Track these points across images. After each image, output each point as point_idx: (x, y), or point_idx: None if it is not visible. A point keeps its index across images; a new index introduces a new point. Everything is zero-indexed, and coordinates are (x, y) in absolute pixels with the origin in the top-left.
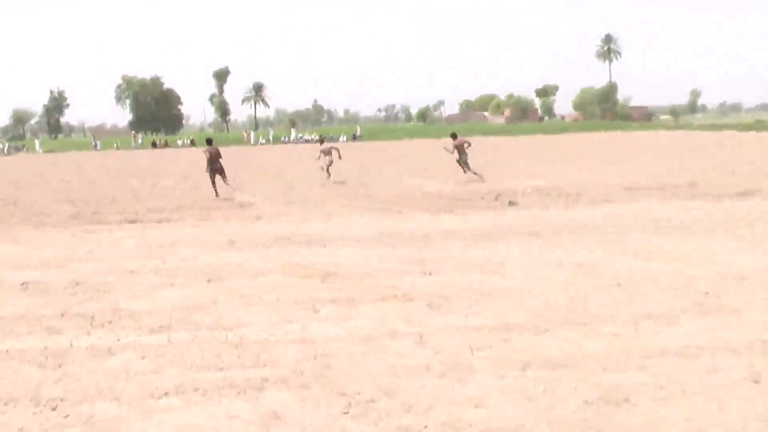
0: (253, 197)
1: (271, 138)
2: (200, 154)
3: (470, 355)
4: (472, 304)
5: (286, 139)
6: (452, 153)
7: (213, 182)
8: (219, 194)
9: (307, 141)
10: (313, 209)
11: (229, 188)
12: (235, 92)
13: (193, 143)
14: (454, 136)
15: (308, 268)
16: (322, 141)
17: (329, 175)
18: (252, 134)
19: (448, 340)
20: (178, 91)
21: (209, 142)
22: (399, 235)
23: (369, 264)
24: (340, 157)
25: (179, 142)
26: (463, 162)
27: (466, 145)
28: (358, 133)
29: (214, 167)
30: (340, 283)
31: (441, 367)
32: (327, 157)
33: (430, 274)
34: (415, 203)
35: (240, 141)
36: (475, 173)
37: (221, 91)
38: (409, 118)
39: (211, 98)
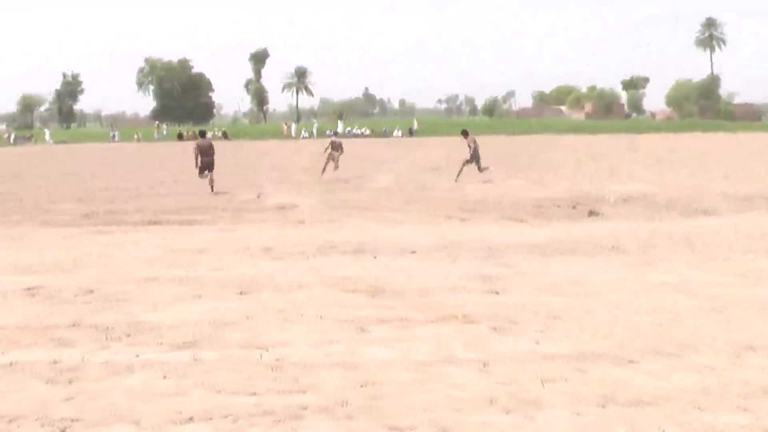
0: (294, 198)
1: (315, 131)
2: (227, 147)
3: (541, 388)
4: (543, 328)
5: (332, 132)
6: (470, 151)
7: (202, 177)
8: (213, 188)
9: (356, 135)
10: (363, 213)
11: (210, 184)
12: (274, 78)
13: (225, 136)
14: (465, 134)
15: (355, 281)
16: (335, 134)
17: (324, 170)
18: (293, 126)
19: (515, 370)
20: (209, 75)
21: (202, 134)
22: (461, 246)
23: (425, 279)
24: (337, 156)
25: (209, 134)
26: (475, 160)
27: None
28: (415, 127)
29: (205, 161)
30: (392, 300)
31: (507, 400)
32: (332, 153)
33: (496, 292)
34: (479, 210)
35: (279, 134)
36: (463, 174)
37: (258, 76)
38: (473, 111)
39: (247, 85)
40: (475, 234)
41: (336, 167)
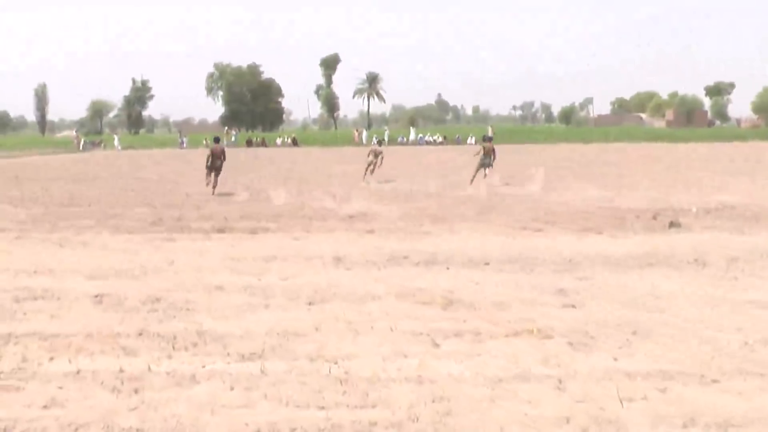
0: (364, 207)
1: (386, 138)
2: (297, 154)
3: (619, 407)
4: (622, 344)
5: (404, 139)
6: (476, 154)
7: (209, 178)
8: (215, 186)
9: (428, 142)
10: (436, 223)
11: (213, 188)
12: (345, 84)
13: (294, 142)
14: (489, 139)
15: (427, 293)
16: (380, 143)
17: (365, 175)
18: (364, 133)
19: (592, 387)
20: (279, 81)
21: (217, 140)
22: (536, 258)
23: (500, 291)
24: (379, 163)
25: (278, 141)
26: (486, 165)
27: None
28: (490, 134)
29: (215, 165)
30: (465, 312)
31: (584, 419)
32: (370, 158)
33: (573, 306)
34: (555, 220)
35: (350, 140)
36: (475, 177)
37: (329, 82)
38: (549, 118)
39: (317, 90)
40: (551, 245)
41: (371, 172)
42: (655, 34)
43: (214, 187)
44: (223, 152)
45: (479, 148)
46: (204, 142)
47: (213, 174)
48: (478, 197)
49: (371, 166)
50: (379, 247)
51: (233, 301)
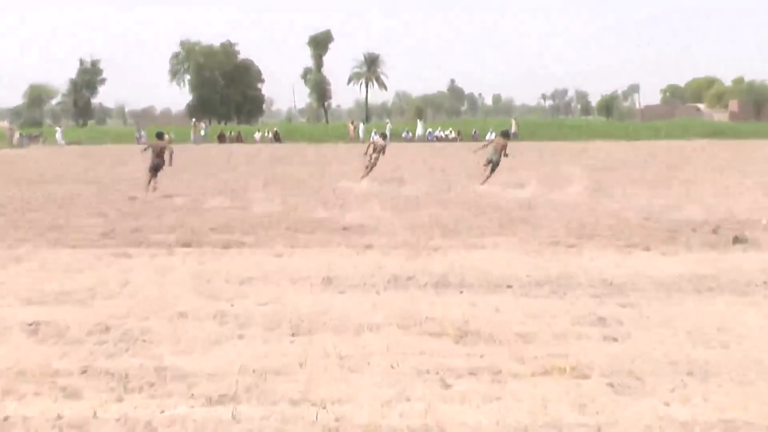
0: (363, 217)
1: (388, 132)
2: (280, 152)
3: None
4: (676, 386)
5: (410, 134)
6: (481, 148)
7: (151, 176)
8: (156, 188)
9: (439, 138)
10: (448, 237)
11: (151, 186)
12: (338, 67)
13: (276, 137)
14: (506, 134)
15: (437, 322)
16: (383, 136)
17: (365, 174)
18: (362, 127)
19: None
20: (259, 63)
21: (159, 136)
22: (570, 279)
23: (525, 320)
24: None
25: (257, 135)
26: (494, 163)
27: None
28: (514, 129)
29: (156, 163)
30: (483, 346)
31: None
32: (374, 155)
33: (615, 339)
34: (593, 233)
35: (344, 136)
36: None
37: (319, 65)
38: (586, 109)
39: (305, 75)
40: (588, 264)
41: (370, 170)
42: (713, 10)
43: (154, 189)
44: (164, 150)
45: (486, 142)
46: (166, 136)
47: (153, 175)
48: (499, 205)
49: (372, 163)
50: (378, 265)
51: (200, 331)
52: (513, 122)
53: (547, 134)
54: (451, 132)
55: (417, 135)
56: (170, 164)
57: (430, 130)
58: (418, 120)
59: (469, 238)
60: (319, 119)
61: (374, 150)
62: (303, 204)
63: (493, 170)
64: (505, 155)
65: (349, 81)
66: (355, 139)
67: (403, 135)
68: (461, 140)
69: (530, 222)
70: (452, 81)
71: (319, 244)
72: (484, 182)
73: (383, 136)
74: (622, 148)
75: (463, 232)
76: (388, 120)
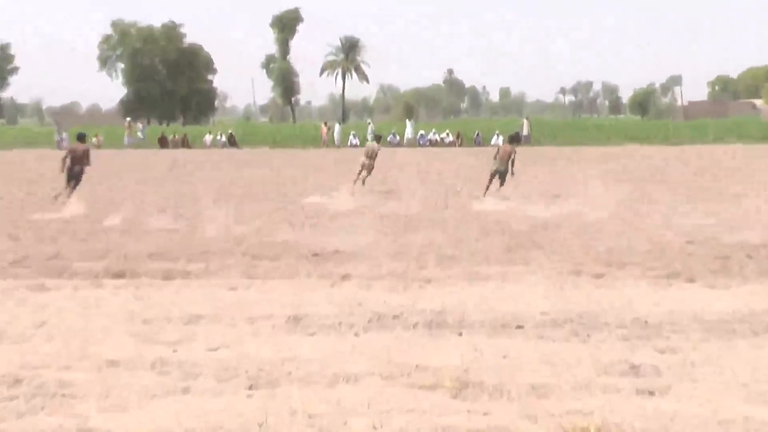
0: (337, 238)
1: (369, 136)
2: (236, 158)
3: None
4: None
5: (396, 137)
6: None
7: (67, 184)
8: (69, 197)
9: (433, 142)
10: (445, 265)
11: (66, 199)
12: (309, 55)
13: (231, 141)
14: (514, 139)
15: (431, 371)
16: (378, 139)
17: (359, 182)
18: (337, 128)
19: None
20: (210, 49)
21: (81, 138)
22: (595, 318)
23: (539, 368)
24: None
25: (207, 139)
26: (498, 174)
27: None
28: (526, 130)
29: (74, 170)
30: (487, 401)
31: None
32: (365, 160)
33: (651, 392)
34: (624, 260)
35: (315, 139)
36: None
37: (285, 51)
38: (616, 106)
39: (268, 64)
40: (618, 299)
41: (362, 179)
42: None
43: (67, 197)
44: (86, 155)
45: (506, 154)
46: (94, 139)
47: (71, 185)
48: (507, 225)
49: (364, 171)
50: (357, 300)
51: (135, 383)
52: (525, 122)
53: (567, 137)
54: (448, 135)
55: (406, 138)
56: (82, 171)
57: (422, 132)
58: (408, 120)
59: (471, 267)
60: (285, 118)
61: (366, 155)
62: (264, 224)
63: (501, 183)
64: (512, 168)
65: (322, 71)
66: (330, 143)
67: (389, 138)
68: (461, 145)
69: (546, 246)
70: (450, 72)
71: (283, 274)
72: (485, 192)
73: (378, 138)
74: (661, 153)
75: (463, 260)
76: (369, 120)
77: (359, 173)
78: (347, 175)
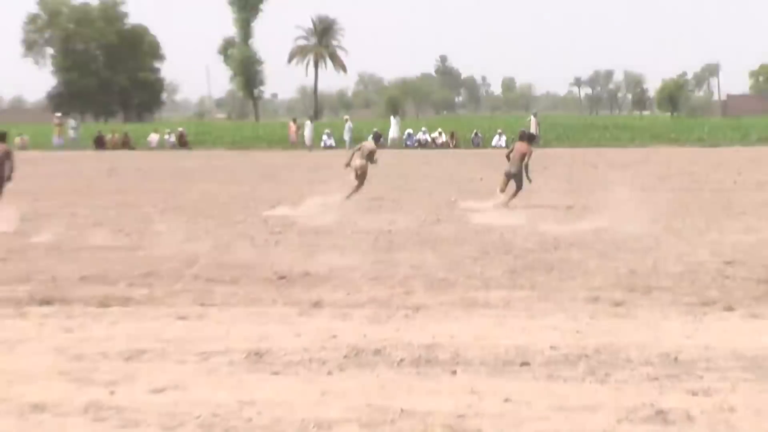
0: (310, 260)
1: (347, 135)
2: (187, 161)
3: None
4: None
5: (377, 134)
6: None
7: None
8: None
9: (422, 143)
10: (436, 290)
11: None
12: (275, 38)
13: (182, 141)
14: (528, 137)
15: (419, 419)
16: (377, 138)
17: (351, 192)
18: (308, 126)
19: None
20: (156, 32)
21: (1, 138)
22: (616, 353)
23: (549, 414)
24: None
25: (152, 139)
26: (513, 177)
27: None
28: (533, 130)
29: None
30: None
31: None
32: (359, 162)
33: None
34: (653, 285)
35: (282, 140)
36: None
37: (247, 34)
38: (641, 101)
39: (225, 49)
40: (643, 331)
41: (358, 186)
42: None
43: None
44: (7, 157)
45: (512, 147)
46: (17, 139)
47: None
48: (511, 243)
49: (360, 175)
50: (331, 332)
51: None
52: (532, 120)
53: (582, 137)
54: (440, 134)
55: (390, 138)
56: (9, 179)
57: (409, 131)
58: (393, 117)
59: (467, 293)
60: (246, 115)
61: (362, 156)
62: (221, 240)
63: (518, 188)
64: (527, 173)
65: (291, 58)
66: (299, 144)
67: (370, 139)
68: (456, 146)
69: (557, 268)
70: (443, 59)
71: (243, 301)
72: (501, 190)
73: (377, 137)
74: (694, 156)
75: (458, 284)
76: (347, 117)
77: (357, 179)
78: (320, 183)
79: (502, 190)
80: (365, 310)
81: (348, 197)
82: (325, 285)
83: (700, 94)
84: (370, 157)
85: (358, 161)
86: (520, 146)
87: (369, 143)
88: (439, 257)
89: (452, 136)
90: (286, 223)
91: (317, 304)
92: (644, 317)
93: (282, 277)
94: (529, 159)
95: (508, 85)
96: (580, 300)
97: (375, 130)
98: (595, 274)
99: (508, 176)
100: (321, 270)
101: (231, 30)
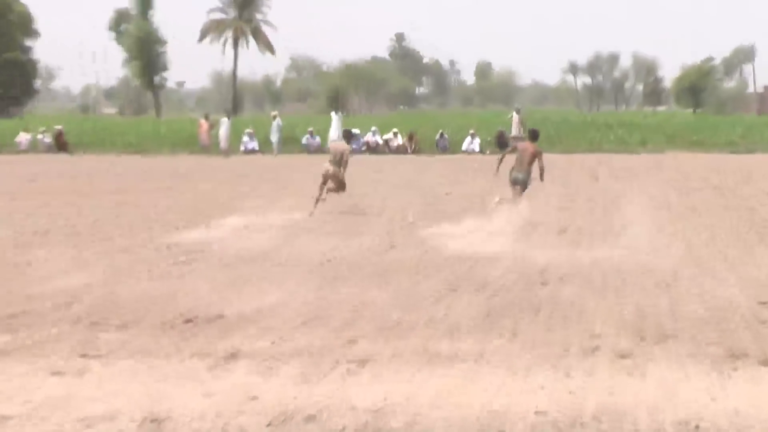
0: (224, 296)
1: (275, 136)
2: (76, 171)
3: None
4: None
5: (317, 139)
6: (500, 162)
7: None
8: None
9: (372, 147)
10: (391, 338)
11: None
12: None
13: (60, 143)
14: (535, 135)
15: None
16: (348, 137)
17: (322, 199)
18: (225, 125)
19: None
20: (29, 2)
21: None
22: (619, 419)
23: None
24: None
25: (22, 139)
26: (519, 184)
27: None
28: (515, 129)
29: None
30: None
31: None
32: (331, 168)
33: None
34: (667, 331)
35: (190, 141)
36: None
37: (146, 6)
38: (655, 93)
39: (117, 24)
40: (655, 391)
41: (324, 194)
42: None
43: None
44: None
45: (509, 149)
46: None
47: None
48: (485, 276)
49: (330, 181)
50: (252, 392)
51: None
52: (514, 116)
53: (579, 139)
54: (396, 135)
55: (331, 139)
56: None
57: (356, 131)
58: (334, 112)
59: (429, 341)
60: (144, 109)
61: (333, 161)
62: (110, 272)
63: (524, 190)
64: (541, 176)
65: (203, 36)
66: (213, 146)
67: (304, 140)
68: (416, 150)
69: (545, 309)
70: (399, 39)
71: (137, 352)
72: (507, 197)
73: (349, 135)
74: (722, 165)
75: (417, 329)
76: (275, 113)
77: (321, 189)
78: (240, 198)
79: (508, 199)
80: (296, 364)
81: (316, 203)
82: (244, 330)
83: (730, 84)
84: (342, 161)
85: (328, 167)
86: (527, 147)
87: (339, 143)
88: (393, 294)
89: (411, 137)
90: (196, 249)
91: (233, 356)
92: (657, 373)
93: (188, 321)
94: (542, 161)
95: (484, 71)
96: (575, 351)
97: (355, 130)
98: (594, 316)
99: (517, 183)
100: (240, 311)
101: (125, 0)
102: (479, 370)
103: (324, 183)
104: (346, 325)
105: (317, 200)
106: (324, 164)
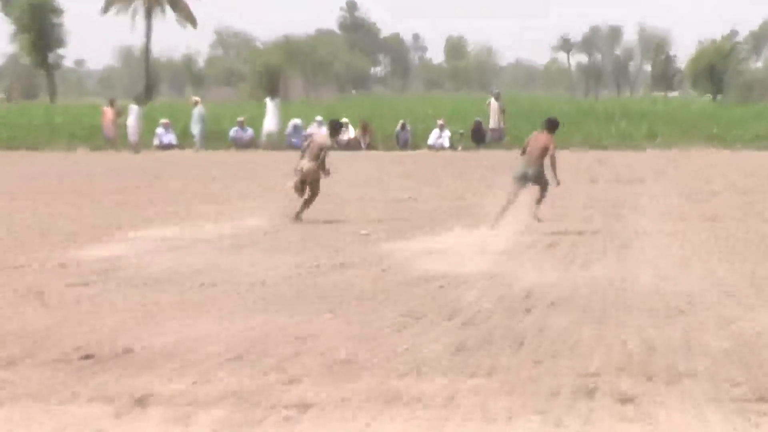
0: (130, 326)
1: (196, 128)
2: None
3: None
4: None
5: (249, 131)
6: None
7: None
8: None
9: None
10: (344, 377)
11: None
12: None
13: None
14: (552, 125)
15: None
16: (334, 129)
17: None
18: (133, 114)
19: None
20: None
21: None
22: None
23: None
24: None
25: None
26: (528, 181)
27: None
28: (494, 121)
29: None
30: None
31: None
32: (306, 165)
33: None
34: (681, 370)
35: (92, 134)
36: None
37: None
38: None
39: None
40: None
41: (302, 195)
42: None
43: None
44: None
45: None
46: None
47: None
48: (457, 299)
49: (311, 183)
50: None
51: None
52: (492, 103)
53: (574, 131)
54: (346, 126)
55: (266, 133)
56: None
57: (296, 121)
58: (269, 99)
59: (387, 381)
60: (35, 93)
61: (310, 156)
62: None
63: (544, 190)
64: (554, 172)
65: (109, 6)
66: (120, 139)
67: (233, 133)
68: (370, 145)
69: (529, 342)
70: (351, 8)
71: (25, 394)
72: (499, 215)
73: (337, 127)
74: (749, 164)
75: (373, 367)
76: (197, 98)
77: (296, 189)
78: (156, 204)
79: (511, 202)
80: (220, 410)
81: (297, 215)
82: (158, 368)
83: (757, 65)
84: (320, 156)
85: (304, 163)
86: (540, 137)
87: (320, 136)
88: (343, 323)
89: (365, 129)
90: (99, 268)
91: (144, 400)
92: (668, 420)
93: (88, 356)
94: (554, 153)
95: (456, 48)
96: (566, 394)
97: (344, 119)
98: (590, 351)
99: (524, 180)
100: (153, 344)
101: None
102: (449, 417)
103: (303, 183)
104: (285, 361)
105: (301, 208)
106: (299, 161)
